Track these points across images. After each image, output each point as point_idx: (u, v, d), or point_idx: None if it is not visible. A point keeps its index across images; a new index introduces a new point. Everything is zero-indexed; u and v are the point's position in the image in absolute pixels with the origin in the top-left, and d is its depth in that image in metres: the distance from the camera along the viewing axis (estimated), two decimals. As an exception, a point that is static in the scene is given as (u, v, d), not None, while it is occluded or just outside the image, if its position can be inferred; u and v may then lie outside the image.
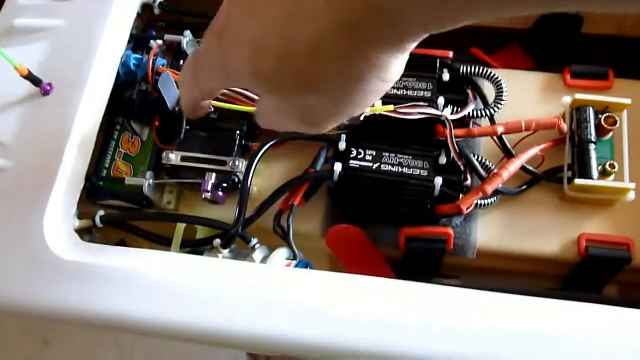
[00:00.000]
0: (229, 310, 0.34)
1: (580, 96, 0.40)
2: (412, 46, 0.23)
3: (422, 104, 0.39)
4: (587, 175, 0.38)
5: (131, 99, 0.43)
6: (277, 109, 0.26)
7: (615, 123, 0.40)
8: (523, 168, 0.40)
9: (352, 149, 0.39)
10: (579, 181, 0.38)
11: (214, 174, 0.40)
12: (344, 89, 0.23)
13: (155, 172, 0.42)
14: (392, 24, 0.20)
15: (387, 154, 0.39)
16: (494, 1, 0.18)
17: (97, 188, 0.42)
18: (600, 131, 0.40)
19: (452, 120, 0.39)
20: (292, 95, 0.24)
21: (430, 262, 0.40)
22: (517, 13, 0.19)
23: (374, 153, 0.39)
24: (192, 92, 0.31)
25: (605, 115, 0.40)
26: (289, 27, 0.22)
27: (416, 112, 0.38)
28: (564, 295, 0.40)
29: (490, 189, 0.37)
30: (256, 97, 0.41)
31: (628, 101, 0.40)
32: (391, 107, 0.38)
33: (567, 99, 0.41)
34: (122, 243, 0.44)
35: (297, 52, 0.22)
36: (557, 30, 0.48)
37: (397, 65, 0.23)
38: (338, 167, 0.39)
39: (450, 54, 0.42)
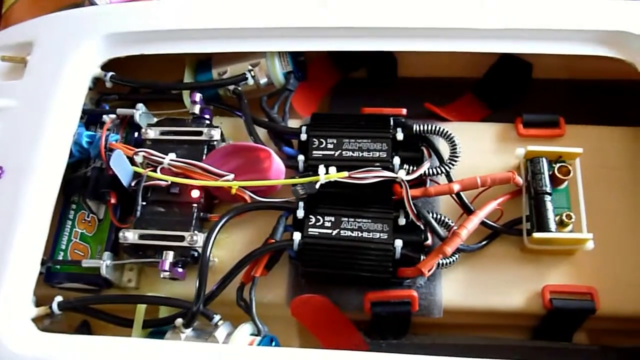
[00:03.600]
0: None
1: (532, 147, 0.41)
2: None
3: (376, 167, 0.39)
4: (544, 227, 0.38)
5: (85, 177, 0.43)
6: None
7: (568, 172, 0.40)
8: (482, 223, 0.40)
9: (311, 217, 0.39)
10: (537, 234, 0.38)
11: (171, 252, 0.39)
12: None
13: (114, 250, 0.41)
14: None
15: (346, 219, 0.39)
16: None
17: (53, 272, 0.41)
18: (555, 181, 0.40)
19: (408, 180, 0.39)
20: None
21: (397, 323, 0.40)
22: None
23: (333, 219, 0.39)
24: None
25: (558, 165, 0.40)
26: None
27: (371, 176, 0.38)
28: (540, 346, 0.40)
29: (449, 249, 0.37)
30: (215, 170, 0.41)
31: (579, 150, 0.40)
32: (345, 174, 0.38)
33: (521, 151, 0.41)
34: (85, 324, 0.43)
35: None
36: (508, 76, 0.49)
37: None
38: (297, 236, 0.38)
39: (404, 111, 0.43)
